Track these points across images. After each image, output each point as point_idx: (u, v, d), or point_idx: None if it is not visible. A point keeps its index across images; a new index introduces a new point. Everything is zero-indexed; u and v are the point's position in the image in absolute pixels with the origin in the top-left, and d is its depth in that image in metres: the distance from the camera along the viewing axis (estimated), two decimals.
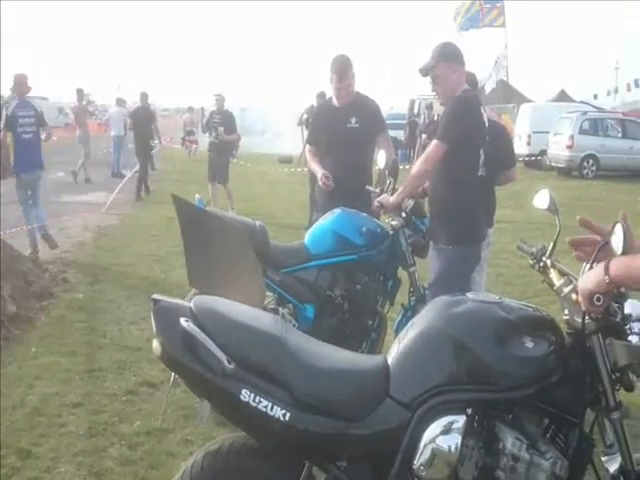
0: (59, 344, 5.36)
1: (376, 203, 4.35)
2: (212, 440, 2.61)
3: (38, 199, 8.82)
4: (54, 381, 4.64)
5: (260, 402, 2.01)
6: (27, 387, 4.53)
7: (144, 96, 15.73)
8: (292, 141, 25.14)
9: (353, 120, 4.99)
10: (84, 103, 18.63)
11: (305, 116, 12.39)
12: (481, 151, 4.07)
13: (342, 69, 4.99)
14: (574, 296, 2.11)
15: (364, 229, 4.38)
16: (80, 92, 18.48)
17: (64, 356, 5.10)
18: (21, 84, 8.76)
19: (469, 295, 2.32)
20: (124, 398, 4.41)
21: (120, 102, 19.80)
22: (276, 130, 30.57)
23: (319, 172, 5.02)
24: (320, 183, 4.93)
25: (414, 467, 2.06)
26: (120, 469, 3.52)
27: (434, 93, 4.19)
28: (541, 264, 2.41)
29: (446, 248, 4.02)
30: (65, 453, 3.68)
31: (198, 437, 3.82)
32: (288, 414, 2.01)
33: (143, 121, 14.96)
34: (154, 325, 2.08)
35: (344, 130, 5.00)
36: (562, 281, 2.22)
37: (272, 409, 2.01)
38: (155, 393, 4.48)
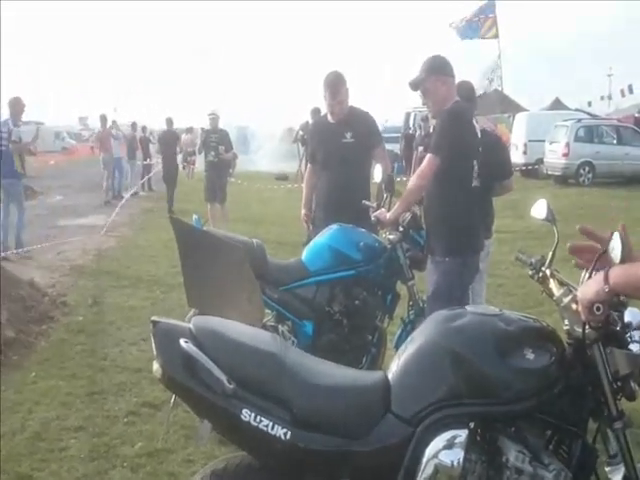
0: (59, 368, 5.33)
1: (373, 218, 4.35)
2: (214, 459, 2.60)
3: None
4: (54, 405, 4.61)
5: (261, 421, 2.00)
6: (27, 412, 4.50)
7: (169, 121, 16.99)
8: (288, 158, 25.23)
9: (348, 135, 5.01)
10: (108, 127, 19.29)
11: (300, 133, 12.44)
12: (474, 162, 4.08)
13: (335, 85, 5.01)
14: (574, 306, 2.10)
15: (361, 244, 4.38)
16: (103, 118, 19.15)
17: (64, 379, 5.07)
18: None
19: (468, 308, 2.31)
20: (125, 420, 4.38)
21: (116, 125, 20.05)
22: (271, 148, 30.68)
23: (302, 209, 5.36)
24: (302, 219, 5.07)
25: None
26: None
27: (424, 106, 4.22)
28: (540, 274, 2.40)
29: (442, 260, 4.02)
30: (67, 477, 3.65)
31: (200, 457, 3.79)
32: (289, 433, 2.00)
33: (169, 144, 15.98)
34: (154, 347, 2.08)
35: (339, 145, 5.01)
36: (562, 291, 2.21)
37: (273, 428, 2.00)
38: (156, 414, 4.46)
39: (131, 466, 3.76)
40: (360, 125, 5.07)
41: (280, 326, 4.38)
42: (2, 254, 8.75)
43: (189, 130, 25.73)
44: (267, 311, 4.32)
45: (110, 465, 3.79)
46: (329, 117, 5.17)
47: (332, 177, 5.05)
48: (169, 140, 16.20)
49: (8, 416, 4.43)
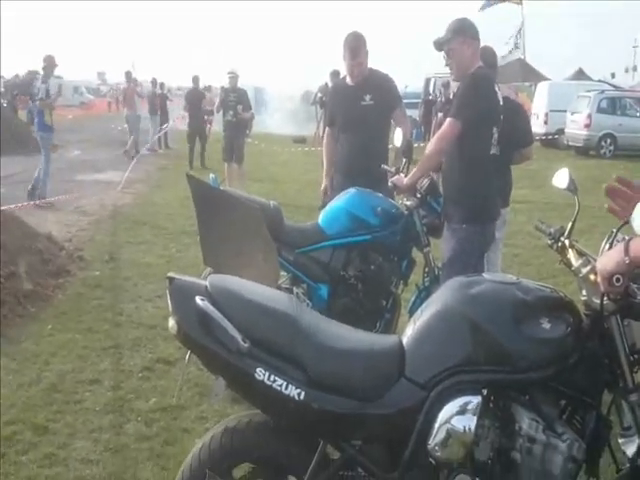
0: (75, 321, 5.40)
1: (390, 183, 4.32)
2: (227, 417, 2.63)
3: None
4: (70, 358, 4.69)
5: (275, 381, 2.02)
6: (43, 364, 4.57)
7: (196, 79, 17.31)
8: (305, 121, 25.03)
9: (367, 97, 4.95)
10: (132, 84, 19.58)
11: (319, 95, 12.30)
12: (494, 129, 4.02)
13: (355, 46, 4.94)
14: (593, 277, 2.08)
15: (379, 209, 4.36)
16: (129, 74, 19.43)
17: (80, 333, 5.15)
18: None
19: (486, 276, 2.30)
20: (140, 375, 4.45)
21: (127, 80, 20.06)
22: (289, 110, 30.42)
23: (324, 179, 5.32)
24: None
25: (429, 447, 2.05)
26: (136, 445, 3.56)
27: (448, 68, 4.13)
28: (559, 244, 2.38)
29: (459, 227, 3.98)
30: (81, 429, 3.72)
31: (213, 414, 3.85)
32: (303, 393, 2.02)
33: (195, 103, 16.41)
34: (170, 303, 2.09)
35: (358, 108, 4.96)
36: (580, 262, 2.19)
37: (287, 388, 2.02)
38: (170, 370, 4.52)
39: (145, 420, 3.82)
40: (379, 87, 5.00)
41: (295, 288, 4.39)
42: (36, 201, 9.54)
43: (207, 89, 25.55)
44: (282, 273, 4.33)
45: (125, 419, 3.85)
46: (348, 79, 5.11)
47: (350, 140, 5.01)
48: (195, 98, 16.53)
49: (25, 367, 4.51)
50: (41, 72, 11.11)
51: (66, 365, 4.56)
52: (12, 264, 5.97)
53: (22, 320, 5.37)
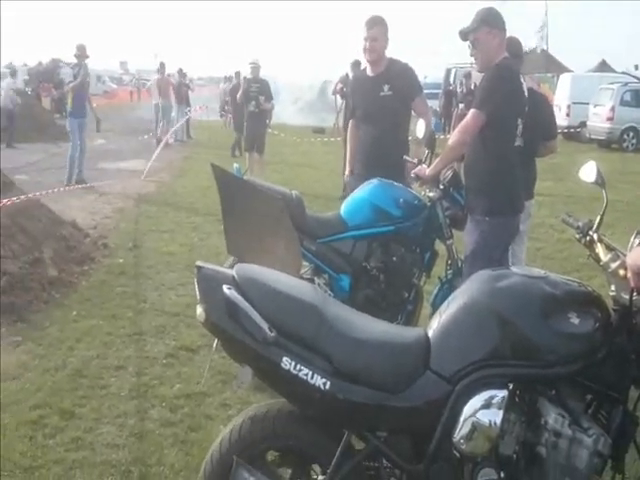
0: (100, 308, 5.47)
1: (412, 175, 4.31)
2: (250, 405, 2.66)
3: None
4: (95, 344, 4.74)
5: (300, 370, 2.04)
6: (68, 349, 4.64)
7: (237, 74, 18.18)
8: (324, 111, 24.94)
9: (386, 88, 4.91)
10: (167, 75, 20.14)
11: (339, 85, 12.25)
12: (519, 121, 3.99)
13: (371, 20, 4.94)
14: (622, 272, 2.08)
15: (401, 200, 4.35)
16: (162, 65, 19.80)
17: (105, 319, 5.20)
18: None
19: (513, 269, 2.30)
20: (164, 361, 4.50)
21: (161, 71, 20.24)
22: (308, 100, 30.35)
23: (347, 167, 5.31)
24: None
25: (454, 440, 2.06)
26: (161, 431, 3.61)
27: (473, 58, 4.09)
28: (587, 238, 2.37)
29: (482, 219, 3.94)
30: (107, 414, 3.77)
31: (236, 401, 3.88)
32: (328, 383, 2.04)
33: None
34: (197, 291, 2.12)
35: (377, 99, 4.94)
36: (610, 256, 2.18)
37: (312, 377, 2.04)
38: (194, 357, 4.57)
39: (169, 406, 3.87)
40: (399, 77, 4.95)
41: (316, 279, 4.40)
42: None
43: (227, 79, 25.57)
44: (304, 263, 4.35)
45: (149, 404, 3.90)
46: (368, 70, 5.10)
47: (370, 131, 5.00)
48: (237, 92, 16.61)
49: (51, 352, 4.58)
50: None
51: (91, 351, 4.62)
52: (37, 251, 6.05)
53: (47, 306, 5.44)
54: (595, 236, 2.34)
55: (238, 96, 12.64)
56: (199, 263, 2.18)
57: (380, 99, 4.93)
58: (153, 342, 4.81)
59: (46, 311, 5.35)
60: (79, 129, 11.42)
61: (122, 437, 3.53)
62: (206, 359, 4.30)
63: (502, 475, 2.11)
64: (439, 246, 4.54)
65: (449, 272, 4.43)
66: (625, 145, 20.15)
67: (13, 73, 20.39)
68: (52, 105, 25.06)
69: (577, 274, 5.75)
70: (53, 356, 4.51)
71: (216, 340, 2.18)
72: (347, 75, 12.25)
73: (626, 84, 21.21)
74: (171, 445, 3.45)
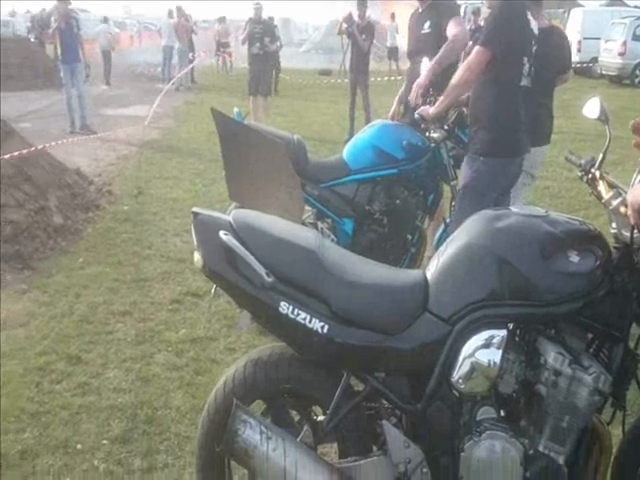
0: (105, 254, 5.49)
1: (416, 115, 4.22)
2: (254, 348, 2.67)
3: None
4: (101, 290, 4.78)
5: (298, 314, 2.04)
6: (74, 296, 4.67)
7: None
8: (331, 52, 24.54)
9: (426, 25, 4.74)
10: (184, 19, 19.70)
11: (344, 25, 11.98)
12: (525, 60, 3.86)
13: None
14: (623, 209, 2.04)
15: (404, 142, 4.28)
16: (180, 9, 19.52)
17: (110, 266, 5.23)
18: None
19: (513, 209, 2.25)
20: (169, 307, 4.53)
21: (171, 14, 19.90)
22: (315, 41, 29.82)
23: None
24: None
25: (452, 380, 2.06)
26: (167, 374, 3.65)
27: None
28: (589, 176, 2.32)
29: (477, 158, 3.82)
30: (113, 359, 3.82)
31: (241, 345, 3.92)
32: (326, 326, 2.04)
33: None
34: (194, 238, 2.11)
35: (418, 37, 4.84)
36: (611, 193, 2.14)
37: (311, 321, 2.04)
38: (199, 303, 4.59)
39: (175, 351, 3.91)
40: (440, 15, 4.75)
41: (319, 224, 4.38)
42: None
43: (221, 20, 25.00)
44: (307, 208, 4.32)
45: (155, 349, 3.95)
46: (418, 8, 4.99)
47: (411, 69, 4.91)
48: None
49: (57, 299, 4.62)
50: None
51: (97, 297, 4.65)
52: (42, 199, 6.03)
53: (53, 254, 5.47)
54: (597, 173, 2.28)
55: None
56: (195, 209, 2.16)
57: (420, 37, 4.82)
58: (158, 288, 4.84)
59: (52, 258, 5.37)
60: (72, 75, 11.25)
61: (128, 381, 3.58)
62: (211, 305, 4.33)
63: (501, 413, 2.12)
64: (444, 187, 4.49)
65: (453, 213, 4.38)
66: (637, 81, 19.74)
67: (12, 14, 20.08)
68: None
69: (585, 212, 5.72)
70: (59, 303, 4.55)
71: (214, 285, 2.18)
72: (350, 14, 11.94)
73: (638, 18, 20.66)
74: (177, 388, 3.50)
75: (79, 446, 3.01)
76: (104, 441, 3.06)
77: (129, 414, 3.27)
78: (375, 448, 2.22)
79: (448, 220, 4.38)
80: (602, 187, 2.23)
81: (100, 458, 2.94)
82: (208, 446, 2.23)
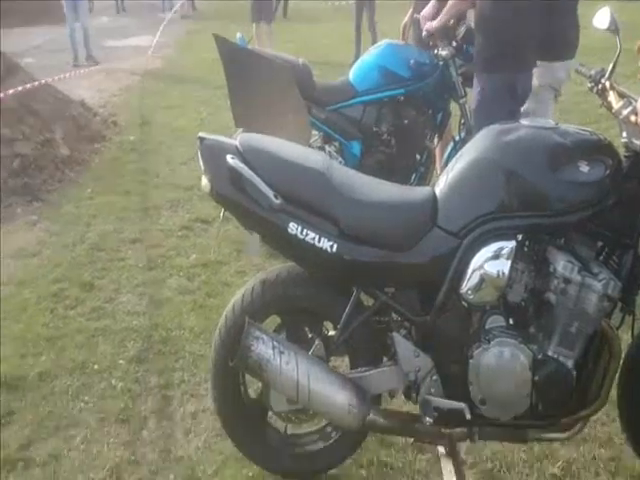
0: (113, 184, 5.50)
1: (424, 33, 4.12)
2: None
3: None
4: (111, 219, 4.81)
5: (307, 234, 2.05)
6: (85, 225, 4.71)
7: None
8: None
9: None
10: None
11: None
12: None
13: None
14: (633, 117, 2.01)
15: (411, 61, 4.20)
16: None
17: (119, 195, 5.25)
18: None
19: (522, 122, 2.23)
20: (179, 233, 4.57)
21: None
22: None
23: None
24: None
25: (461, 292, 2.08)
26: (179, 298, 3.71)
27: None
28: (599, 86, 2.28)
29: (480, 76, 3.62)
30: (126, 285, 3.88)
31: (251, 268, 3.96)
32: (335, 245, 2.05)
33: None
34: (201, 163, 2.11)
35: None
36: (621, 103, 2.10)
37: (320, 241, 2.05)
38: (208, 229, 4.63)
39: (187, 275, 3.96)
40: None
41: (327, 147, 4.36)
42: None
43: None
44: (314, 132, 4.29)
45: (167, 274, 4.00)
46: None
47: None
48: None
49: (68, 229, 4.66)
50: None
51: (107, 226, 4.69)
52: (48, 131, 6.03)
53: (61, 185, 5.49)
54: (607, 84, 2.24)
55: None
56: (201, 134, 2.15)
57: None
58: (167, 215, 4.87)
59: (60, 190, 5.40)
60: (74, 9, 11.10)
61: (142, 305, 3.64)
62: (220, 230, 4.35)
63: (510, 322, 2.14)
64: (453, 106, 4.41)
65: (462, 131, 4.33)
66: None
67: None
68: None
69: (596, 125, 5.63)
70: (70, 232, 4.59)
71: (223, 209, 2.19)
72: None
73: None
74: (190, 310, 3.56)
75: (96, 367, 3.10)
76: (120, 361, 3.14)
77: (144, 335, 3.35)
78: (385, 359, 2.27)
79: (457, 138, 4.33)
80: (612, 97, 2.19)
81: (117, 377, 3.02)
82: (222, 362, 2.29)
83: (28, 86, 6.10)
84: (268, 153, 2.12)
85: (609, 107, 2.21)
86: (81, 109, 7.24)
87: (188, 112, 7.87)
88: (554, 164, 2.05)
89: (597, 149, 2.11)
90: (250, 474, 2.45)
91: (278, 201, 2.02)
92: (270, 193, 2.02)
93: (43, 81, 6.62)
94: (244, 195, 2.05)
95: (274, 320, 2.34)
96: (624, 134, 2.11)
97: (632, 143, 2.08)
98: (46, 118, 6.22)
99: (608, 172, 2.05)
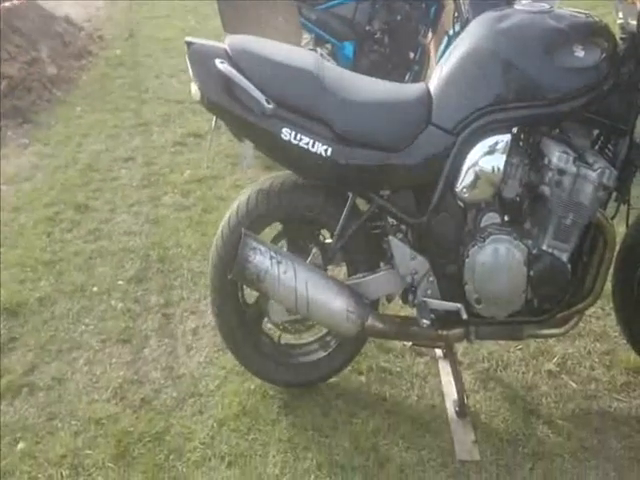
0: (103, 101, 5.38)
1: None
2: None
3: None
4: (102, 138, 4.71)
5: (301, 139, 2.00)
6: (76, 145, 4.62)
7: None
8: None
9: None
10: None
11: None
12: None
13: None
14: None
15: None
16: None
17: (109, 113, 5.13)
18: None
19: (517, 6, 2.11)
20: (172, 149, 4.48)
21: None
22: None
23: None
24: None
25: (457, 190, 2.05)
26: (175, 215, 3.67)
27: None
28: None
29: None
30: (121, 204, 3.83)
31: (247, 181, 3.88)
32: (330, 149, 2.00)
33: None
34: (190, 69, 2.03)
35: None
36: None
37: (314, 145, 2.00)
38: (202, 143, 4.54)
39: (182, 192, 3.91)
40: None
41: (319, 49, 4.19)
42: None
43: None
44: (304, 35, 4.14)
45: (162, 191, 3.94)
46: None
47: None
48: None
49: (59, 150, 4.57)
50: None
51: (99, 145, 4.60)
52: (33, 50, 5.87)
53: (50, 105, 5.36)
54: None
55: None
56: (189, 39, 2.05)
57: None
58: (159, 131, 4.77)
59: (50, 110, 5.27)
60: None
61: (138, 224, 3.61)
62: (214, 144, 4.26)
63: (506, 218, 2.12)
64: None
65: (456, 25, 4.15)
66: None
67: None
68: None
69: (593, 12, 5.40)
70: (62, 153, 4.51)
71: (215, 118, 2.11)
72: None
73: None
74: (186, 227, 3.53)
75: (95, 289, 3.08)
76: (119, 282, 3.13)
77: (142, 255, 3.32)
78: (382, 264, 2.25)
79: (451, 32, 4.15)
80: None
81: (117, 298, 3.01)
82: (220, 276, 2.27)
83: (7, 4, 5.89)
84: (258, 56, 2.04)
85: None
86: (66, 25, 7.00)
87: (175, 22, 7.63)
88: (548, 50, 1.96)
89: (592, 32, 2.01)
90: (252, 387, 2.47)
91: (270, 106, 1.96)
92: (262, 98, 1.95)
93: None
94: (235, 101, 1.98)
95: (271, 232, 2.31)
96: (620, 14, 2.02)
97: (628, 24, 1.99)
98: (31, 36, 6.04)
99: (604, 56, 1.97)
